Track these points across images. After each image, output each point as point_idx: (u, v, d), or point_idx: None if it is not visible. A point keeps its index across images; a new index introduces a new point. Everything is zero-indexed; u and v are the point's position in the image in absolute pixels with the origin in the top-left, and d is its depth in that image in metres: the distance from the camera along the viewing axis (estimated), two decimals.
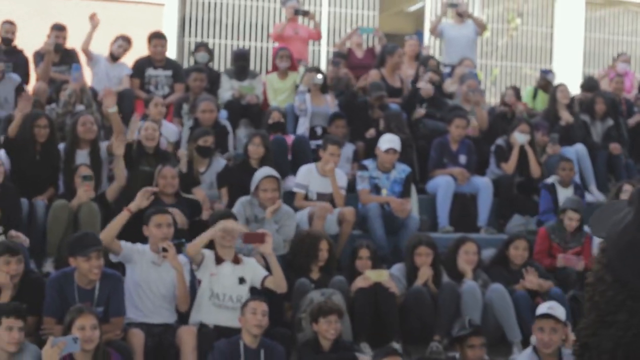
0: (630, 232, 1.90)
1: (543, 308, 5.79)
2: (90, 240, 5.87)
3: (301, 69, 10.25)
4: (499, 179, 8.93)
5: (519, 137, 8.96)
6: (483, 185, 8.71)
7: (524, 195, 8.94)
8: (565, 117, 9.86)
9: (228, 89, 9.79)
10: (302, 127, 9.25)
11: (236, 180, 7.81)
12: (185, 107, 9.12)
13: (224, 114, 9.18)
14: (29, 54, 9.95)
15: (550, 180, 8.75)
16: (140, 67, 9.79)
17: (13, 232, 6.52)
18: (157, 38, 9.86)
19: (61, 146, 7.66)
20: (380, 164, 8.10)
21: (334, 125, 8.95)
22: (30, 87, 9.45)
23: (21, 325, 5.32)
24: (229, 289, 6.31)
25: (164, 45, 9.88)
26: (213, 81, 9.84)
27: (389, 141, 8.06)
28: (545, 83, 11.07)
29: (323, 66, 13.54)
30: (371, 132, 9.05)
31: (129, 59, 10.07)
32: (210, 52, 10.54)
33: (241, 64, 9.97)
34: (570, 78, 13.68)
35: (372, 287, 6.60)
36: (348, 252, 7.32)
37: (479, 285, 6.97)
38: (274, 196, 7.17)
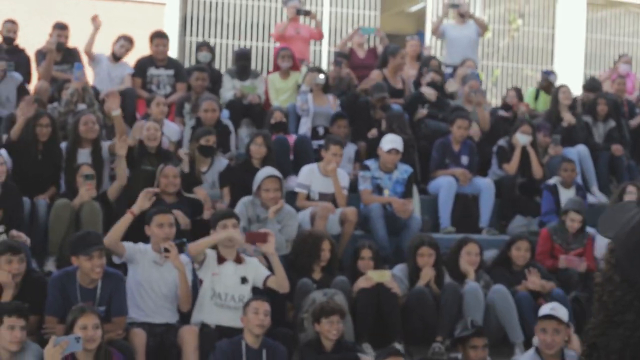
0: (638, 233, 1.90)
1: (546, 309, 5.78)
2: (92, 239, 5.86)
3: (303, 69, 10.25)
4: (501, 179, 8.92)
5: (521, 138, 8.95)
6: (485, 186, 8.70)
7: (526, 196, 8.93)
8: (568, 118, 9.85)
9: (230, 88, 9.78)
10: (304, 127, 9.25)
11: (238, 180, 7.80)
12: (187, 106, 9.12)
13: (225, 113, 9.18)
14: (30, 52, 9.95)
15: (552, 181, 8.74)
16: (142, 66, 9.78)
17: (14, 232, 6.50)
18: (159, 37, 9.85)
19: (63, 145, 7.65)
20: (383, 164, 8.09)
21: (335, 125, 8.94)
22: (32, 86, 9.44)
23: (23, 324, 5.30)
24: (231, 288, 6.30)
25: (166, 44, 9.87)
26: (215, 81, 9.84)
27: (391, 141, 8.05)
28: (547, 84, 11.06)
29: (324, 66, 13.54)
30: (373, 132, 9.04)
31: (130, 58, 10.06)
32: (213, 52, 10.53)
33: (243, 63, 9.97)
34: (571, 79, 13.68)
35: (374, 288, 6.59)
36: (350, 252, 7.32)
37: (481, 286, 6.96)
38: (276, 196, 7.16)
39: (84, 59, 9.82)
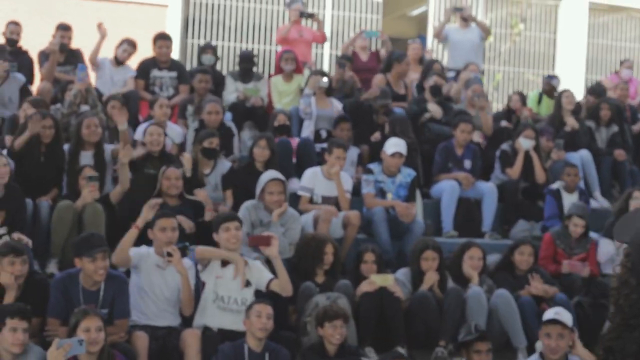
0: None
1: (550, 313, 5.77)
2: (96, 241, 5.85)
3: (306, 72, 10.24)
4: (504, 184, 8.90)
5: (524, 143, 8.94)
6: (488, 190, 8.69)
7: (529, 201, 8.91)
8: (571, 123, 9.84)
9: (233, 91, 9.77)
10: (307, 130, 9.24)
11: (241, 182, 7.79)
12: (190, 108, 9.11)
13: (228, 116, 9.16)
14: (31, 53, 9.93)
15: (555, 185, 8.73)
16: (145, 68, 9.76)
17: (15, 235, 6.48)
18: (162, 39, 9.83)
19: (66, 147, 7.63)
20: (386, 168, 8.08)
21: (338, 129, 8.93)
22: (35, 87, 9.43)
23: (25, 326, 5.29)
24: (233, 291, 6.28)
25: (169, 46, 9.86)
26: (217, 83, 9.82)
27: (395, 145, 8.04)
28: (549, 88, 11.05)
29: (326, 69, 13.52)
30: (376, 136, 9.03)
31: (133, 60, 10.05)
32: (217, 55, 10.50)
33: (246, 66, 9.97)
34: (573, 84, 13.67)
35: (377, 292, 6.57)
36: (353, 256, 7.30)
37: (484, 291, 6.94)
38: (280, 199, 7.14)
39: (87, 59, 9.81)
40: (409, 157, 8.29)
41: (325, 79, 9.29)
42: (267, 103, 9.86)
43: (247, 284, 6.31)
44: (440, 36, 11.73)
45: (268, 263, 6.48)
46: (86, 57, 9.89)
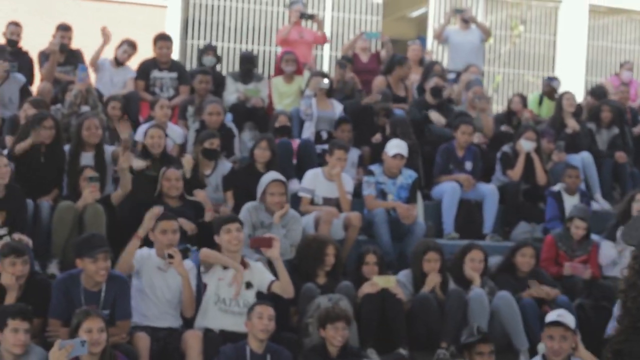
0: None
1: (553, 315, 5.74)
2: (97, 241, 5.83)
3: (306, 74, 10.23)
4: (505, 186, 8.90)
5: (525, 145, 8.94)
6: (489, 192, 8.68)
7: (530, 203, 8.90)
8: (572, 125, 9.84)
9: (233, 91, 9.76)
10: (308, 132, 9.23)
11: (242, 183, 7.77)
12: (191, 109, 9.09)
13: (228, 116, 9.15)
14: (31, 52, 9.91)
15: (556, 187, 8.73)
16: (146, 69, 9.74)
17: (16, 236, 6.46)
18: (162, 40, 9.82)
19: (66, 147, 7.60)
20: (387, 169, 8.06)
21: (339, 130, 8.92)
22: (35, 87, 9.41)
23: (27, 327, 5.26)
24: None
25: (170, 47, 9.84)
26: (218, 84, 9.80)
27: (396, 146, 8.03)
28: (549, 90, 11.05)
29: (325, 70, 13.50)
30: (377, 137, 9.02)
31: (133, 62, 10.03)
32: (218, 57, 10.48)
33: (248, 66, 9.95)
34: (572, 86, 13.66)
35: (379, 293, 6.56)
36: (354, 257, 7.28)
37: (486, 293, 6.93)
38: (281, 200, 7.13)
39: (88, 60, 9.80)
40: (409, 159, 8.28)
41: (326, 81, 9.28)
42: (268, 104, 9.85)
43: (249, 285, 6.29)
44: (440, 38, 11.73)
45: (270, 264, 6.47)
46: (86, 57, 9.88)
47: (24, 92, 8.97)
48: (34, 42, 10.09)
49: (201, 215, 7.34)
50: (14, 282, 5.73)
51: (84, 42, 10.17)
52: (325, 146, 8.64)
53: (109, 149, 7.77)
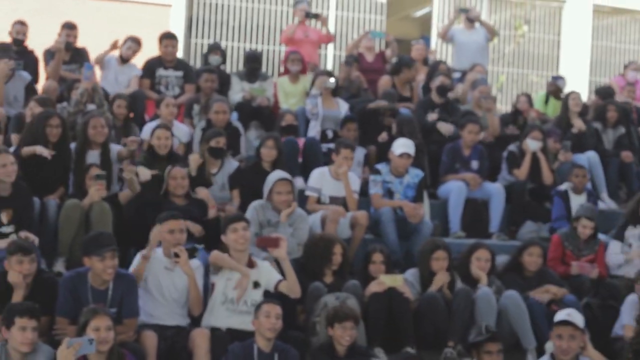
0: None
1: (561, 315, 5.74)
2: (105, 240, 5.81)
3: (309, 75, 10.15)
4: (511, 185, 8.89)
5: (531, 144, 8.92)
6: (495, 191, 8.67)
7: (536, 202, 8.89)
8: (578, 124, 9.83)
9: (238, 90, 9.74)
10: (313, 131, 9.22)
11: (248, 182, 7.75)
12: (196, 107, 9.09)
13: (234, 115, 9.13)
14: (35, 51, 9.90)
15: (563, 187, 8.71)
16: (151, 67, 9.74)
17: (22, 234, 6.45)
18: (168, 38, 9.82)
19: (72, 145, 7.58)
20: (394, 169, 8.05)
21: (345, 129, 8.91)
22: (40, 85, 9.40)
23: (34, 325, 5.25)
24: None
25: (175, 45, 9.84)
26: (223, 82, 9.79)
27: (403, 145, 8.01)
28: (555, 89, 11.05)
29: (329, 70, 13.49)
30: (383, 136, 9.01)
31: (138, 60, 10.02)
32: (224, 56, 10.46)
33: (253, 65, 9.93)
34: (576, 86, 13.65)
35: (386, 292, 6.54)
36: (360, 256, 7.28)
37: (493, 292, 6.91)
38: (288, 199, 7.11)
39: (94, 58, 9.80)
40: (416, 158, 8.27)
41: (332, 80, 9.26)
42: (273, 103, 9.83)
43: (257, 285, 6.27)
44: (446, 37, 11.71)
45: (277, 263, 6.45)
46: (91, 55, 9.87)
47: (29, 90, 8.95)
48: (37, 41, 10.06)
49: (207, 214, 7.32)
50: (21, 280, 5.72)
51: (87, 41, 10.16)
52: (331, 145, 8.63)
53: (114, 148, 7.75)
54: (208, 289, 6.32)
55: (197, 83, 9.48)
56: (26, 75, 9.09)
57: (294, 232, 7.10)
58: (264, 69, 13.14)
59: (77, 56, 9.75)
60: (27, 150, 7.17)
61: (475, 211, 8.63)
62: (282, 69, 10.89)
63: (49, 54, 9.58)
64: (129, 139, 7.95)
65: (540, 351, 6.63)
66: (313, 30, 11.34)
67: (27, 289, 5.78)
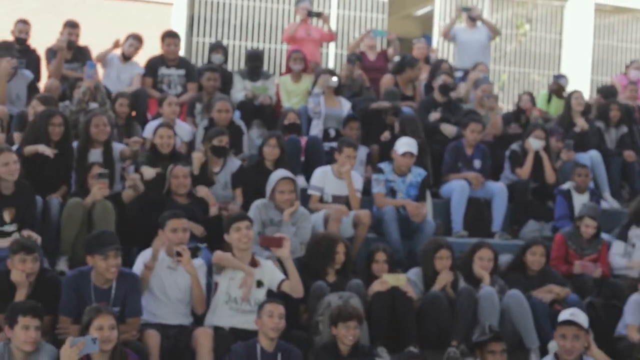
0: None
1: (565, 314, 5.73)
2: (108, 238, 5.80)
3: (310, 76, 10.12)
4: (514, 184, 8.88)
5: (534, 143, 8.92)
6: (498, 191, 8.66)
7: (539, 201, 8.89)
8: (581, 124, 9.83)
9: (241, 89, 9.73)
10: (316, 129, 9.21)
11: (250, 181, 7.75)
12: (199, 106, 9.08)
13: (237, 114, 9.12)
14: (37, 50, 9.89)
15: (566, 186, 8.71)
16: (153, 66, 9.74)
17: (25, 232, 6.44)
18: (170, 37, 9.81)
19: (74, 144, 7.58)
20: (397, 167, 8.04)
21: (348, 128, 8.91)
22: (42, 84, 9.39)
23: (37, 324, 5.24)
24: None
25: (177, 44, 9.83)
26: (225, 81, 9.78)
27: (406, 144, 8.00)
28: (557, 88, 11.04)
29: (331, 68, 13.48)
30: (386, 135, 9.01)
31: (140, 58, 10.01)
32: (226, 55, 10.45)
33: (255, 64, 9.92)
34: (578, 85, 13.64)
35: (389, 291, 6.54)
36: (363, 255, 7.27)
37: (496, 291, 6.91)
38: (291, 198, 7.11)
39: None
40: (418, 157, 8.26)
41: (334, 78, 9.25)
42: (275, 101, 9.82)
43: (260, 284, 6.26)
44: (448, 36, 11.70)
45: (280, 262, 6.44)
46: (93, 54, 9.86)
47: (32, 88, 8.94)
48: (40, 40, 10.05)
49: (208, 212, 7.31)
50: (24, 279, 5.71)
51: (89, 40, 10.15)
52: (333, 144, 8.62)
53: (117, 146, 7.74)
54: (211, 288, 6.32)
55: (199, 82, 9.48)
56: (28, 74, 9.09)
57: (296, 231, 7.09)
58: (266, 67, 13.16)
59: (80, 55, 9.73)
60: (29, 148, 7.16)
61: (478, 210, 8.62)
62: (284, 68, 10.88)
63: (51, 53, 9.56)
64: (131, 139, 7.94)
65: (544, 351, 6.63)
66: (315, 28, 11.33)
67: (30, 288, 5.77)
